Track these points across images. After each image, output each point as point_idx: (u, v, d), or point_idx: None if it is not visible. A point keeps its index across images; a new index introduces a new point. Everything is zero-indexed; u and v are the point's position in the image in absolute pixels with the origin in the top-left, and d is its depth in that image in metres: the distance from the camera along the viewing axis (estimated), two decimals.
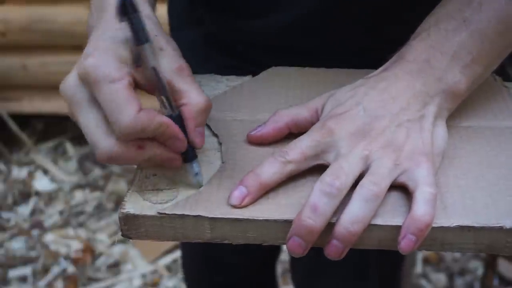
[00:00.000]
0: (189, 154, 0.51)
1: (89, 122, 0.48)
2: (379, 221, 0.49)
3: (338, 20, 0.68)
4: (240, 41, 0.77)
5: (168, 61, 0.50)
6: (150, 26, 0.51)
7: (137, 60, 0.48)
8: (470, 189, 0.51)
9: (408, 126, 0.51)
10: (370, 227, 0.48)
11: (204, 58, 0.81)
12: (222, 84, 0.66)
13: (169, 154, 0.50)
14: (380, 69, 0.56)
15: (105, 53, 0.47)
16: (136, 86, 0.49)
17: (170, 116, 0.49)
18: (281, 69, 0.67)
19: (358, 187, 0.48)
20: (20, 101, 2.14)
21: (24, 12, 1.99)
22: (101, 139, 0.47)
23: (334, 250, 0.48)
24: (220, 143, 0.57)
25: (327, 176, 0.48)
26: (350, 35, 0.70)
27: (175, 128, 0.49)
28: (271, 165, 0.50)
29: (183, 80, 0.50)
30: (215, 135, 0.58)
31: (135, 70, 0.49)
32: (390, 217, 0.49)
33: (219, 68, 0.78)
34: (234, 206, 0.50)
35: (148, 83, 0.49)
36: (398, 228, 0.48)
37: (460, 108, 0.59)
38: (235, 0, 0.73)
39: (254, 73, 0.67)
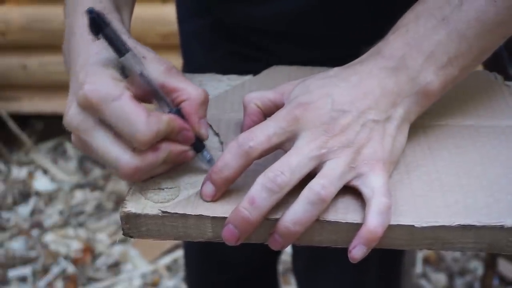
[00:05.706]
0: (198, 144, 0.53)
1: (103, 143, 0.49)
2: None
3: (342, 9, 0.68)
4: (244, 27, 0.77)
5: (154, 66, 0.52)
6: (125, 38, 0.52)
7: (124, 71, 0.50)
8: (472, 188, 0.51)
9: (372, 127, 0.50)
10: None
11: (211, 47, 0.82)
12: (223, 83, 0.66)
13: (182, 147, 0.52)
14: (356, 61, 0.55)
15: (98, 76, 0.49)
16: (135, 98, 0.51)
17: (169, 113, 0.51)
18: (282, 68, 0.67)
19: (306, 188, 0.48)
20: (20, 101, 2.14)
21: (24, 12, 1.99)
22: (121, 156, 0.48)
23: (275, 243, 0.49)
24: (221, 142, 0.57)
25: (271, 170, 0.48)
26: (356, 24, 0.70)
27: (181, 121, 0.51)
28: (236, 158, 0.49)
29: (175, 78, 0.52)
30: (217, 135, 0.58)
31: (128, 83, 0.50)
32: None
33: (226, 55, 0.78)
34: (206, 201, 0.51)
35: (141, 90, 0.50)
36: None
37: (461, 107, 0.59)
38: None
39: (260, 59, 0.66)
